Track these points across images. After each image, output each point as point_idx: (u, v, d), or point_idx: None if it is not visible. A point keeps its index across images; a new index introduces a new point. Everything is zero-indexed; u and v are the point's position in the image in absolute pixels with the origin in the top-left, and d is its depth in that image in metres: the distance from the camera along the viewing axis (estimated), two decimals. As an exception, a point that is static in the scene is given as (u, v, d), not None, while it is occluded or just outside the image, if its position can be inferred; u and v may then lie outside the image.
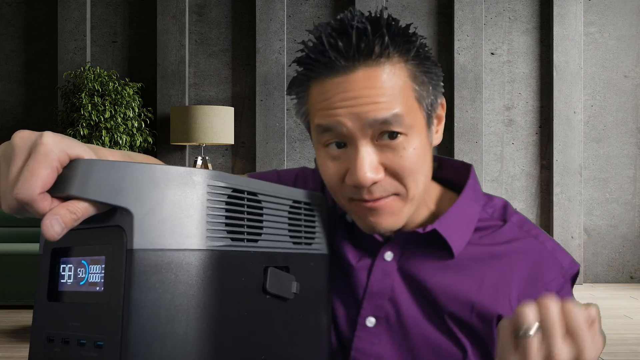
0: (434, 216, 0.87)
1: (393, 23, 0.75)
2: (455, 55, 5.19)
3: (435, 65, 0.80)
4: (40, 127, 5.24)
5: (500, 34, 5.31)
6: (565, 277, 0.83)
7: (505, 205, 0.89)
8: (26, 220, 4.61)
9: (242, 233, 0.65)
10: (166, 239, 0.57)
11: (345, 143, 0.77)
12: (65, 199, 0.56)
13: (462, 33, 5.20)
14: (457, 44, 5.20)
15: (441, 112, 0.85)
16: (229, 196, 0.63)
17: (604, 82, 5.32)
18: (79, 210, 0.55)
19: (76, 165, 0.56)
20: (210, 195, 0.60)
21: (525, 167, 5.30)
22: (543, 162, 5.30)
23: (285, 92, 5.18)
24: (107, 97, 4.61)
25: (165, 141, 5.14)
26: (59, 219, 0.54)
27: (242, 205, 0.65)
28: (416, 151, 0.77)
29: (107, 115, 4.55)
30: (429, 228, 0.82)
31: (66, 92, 4.73)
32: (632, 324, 3.75)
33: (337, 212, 0.90)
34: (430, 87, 0.79)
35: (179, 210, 0.58)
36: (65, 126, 4.69)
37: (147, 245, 0.57)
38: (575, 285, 5.12)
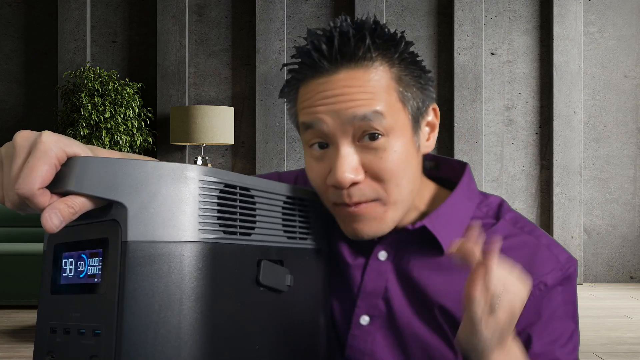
0: (424, 215, 0.87)
1: (378, 27, 0.77)
2: (455, 55, 5.19)
3: (423, 69, 0.81)
4: (40, 127, 5.24)
5: (500, 34, 5.31)
6: (564, 271, 0.82)
7: (501, 204, 0.89)
8: (26, 220, 4.60)
9: (234, 227, 0.67)
10: (159, 231, 0.60)
11: (327, 144, 0.78)
12: (63, 194, 0.59)
13: (462, 33, 5.20)
14: (457, 44, 5.20)
15: (434, 119, 0.84)
16: (221, 191, 0.65)
17: (604, 82, 5.32)
18: (76, 204, 0.58)
19: (73, 162, 0.59)
20: (203, 190, 0.63)
21: (525, 167, 5.30)
22: (543, 162, 5.30)
23: (285, 92, 5.18)
24: (107, 97, 4.61)
25: (165, 141, 5.14)
26: (58, 213, 0.57)
27: (234, 200, 0.67)
28: (398, 154, 0.77)
29: (107, 115, 4.55)
30: (418, 225, 0.83)
31: (66, 92, 4.73)
32: (632, 324, 3.75)
33: None
34: (416, 90, 0.79)
35: (171, 204, 0.60)
36: (65, 126, 4.69)
37: (141, 237, 0.59)
38: (575, 285, 5.12)
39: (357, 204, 0.77)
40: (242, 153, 5.26)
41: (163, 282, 0.59)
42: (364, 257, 0.87)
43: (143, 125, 4.81)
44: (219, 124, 4.61)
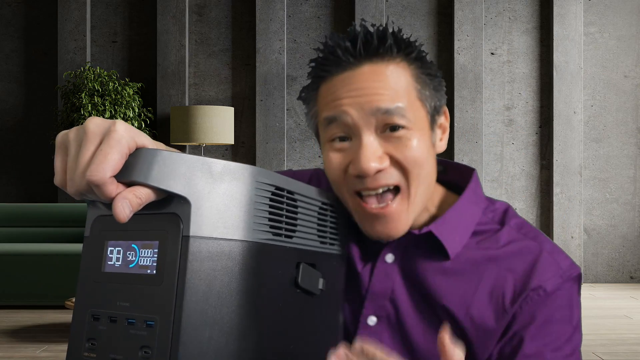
0: (434, 218, 0.88)
1: (396, 31, 0.81)
2: (455, 55, 5.19)
3: (437, 71, 0.84)
4: (40, 127, 5.24)
5: (500, 34, 5.31)
6: (564, 278, 0.82)
7: (506, 210, 0.90)
8: (26, 220, 4.61)
9: (280, 229, 0.69)
10: (219, 229, 0.61)
11: (349, 137, 0.80)
12: (128, 184, 0.59)
13: (462, 33, 5.20)
14: (457, 44, 5.20)
15: (445, 121, 0.87)
16: (272, 193, 0.67)
17: (604, 82, 5.32)
18: (143, 195, 0.58)
19: (141, 153, 0.60)
20: (258, 191, 0.64)
21: (525, 167, 5.30)
22: (543, 162, 5.30)
23: (285, 92, 5.18)
24: (107, 97, 4.61)
25: (165, 141, 5.14)
26: (128, 203, 0.57)
27: (282, 203, 0.69)
28: (419, 145, 0.79)
29: (107, 115, 4.55)
30: (424, 230, 0.84)
31: (66, 92, 4.73)
32: (632, 324, 3.76)
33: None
34: (432, 89, 0.83)
35: (230, 202, 0.62)
36: (66, 126, 4.69)
37: (201, 232, 0.60)
38: (575, 285, 5.12)
39: (380, 187, 0.79)
40: (242, 153, 5.26)
41: (219, 278, 0.61)
42: (372, 259, 0.88)
43: (143, 125, 4.81)
44: (219, 124, 4.61)
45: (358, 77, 0.78)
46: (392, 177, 0.79)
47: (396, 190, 0.80)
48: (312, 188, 0.76)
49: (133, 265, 0.63)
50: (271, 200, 0.66)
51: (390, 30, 0.81)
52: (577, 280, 0.84)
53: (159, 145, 0.67)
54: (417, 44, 0.83)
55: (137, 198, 0.58)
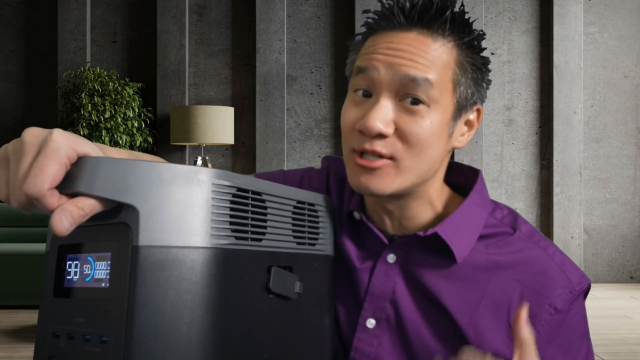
0: (439, 219, 0.85)
1: (461, 8, 0.79)
2: (455, 55, 5.18)
3: (485, 65, 0.82)
4: (40, 127, 5.23)
5: (500, 34, 5.31)
6: (574, 293, 0.81)
7: (515, 213, 0.87)
8: (26, 220, 4.60)
9: (246, 232, 0.65)
10: (171, 236, 0.58)
11: (371, 94, 0.79)
12: (72, 195, 0.56)
13: (462, 33, 5.20)
14: (457, 44, 5.19)
15: (474, 120, 0.84)
16: (234, 195, 0.63)
17: (604, 82, 5.32)
18: (86, 206, 0.56)
19: (84, 162, 0.57)
20: (215, 194, 0.61)
21: (525, 167, 5.30)
22: (543, 162, 5.30)
23: (285, 92, 5.18)
24: (107, 97, 4.61)
25: (165, 141, 5.14)
26: (68, 215, 0.54)
27: (246, 205, 0.65)
28: (432, 126, 0.77)
29: (107, 115, 4.55)
30: (430, 231, 0.81)
31: (66, 92, 4.73)
32: (632, 324, 3.76)
33: (344, 211, 0.89)
34: (470, 79, 0.80)
35: (184, 208, 0.58)
36: (65, 126, 4.69)
37: (152, 242, 0.57)
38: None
39: (374, 152, 0.77)
40: (242, 153, 5.26)
41: (174, 289, 0.57)
42: (372, 259, 0.86)
43: (143, 125, 4.81)
44: (219, 124, 4.61)
45: (401, 40, 0.77)
46: (390, 147, 0.77)
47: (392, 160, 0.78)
48: (286, 187, 0.73)
49: (89, 279, 0.61)
50: (232, 202, 0.63)
51: (458, 8, 0.79)
52: (587, 292, 0.83)
53: (107, 150, 0.64)
54: (478, 32, 0.80)
55: (80, 209, 0.55)
